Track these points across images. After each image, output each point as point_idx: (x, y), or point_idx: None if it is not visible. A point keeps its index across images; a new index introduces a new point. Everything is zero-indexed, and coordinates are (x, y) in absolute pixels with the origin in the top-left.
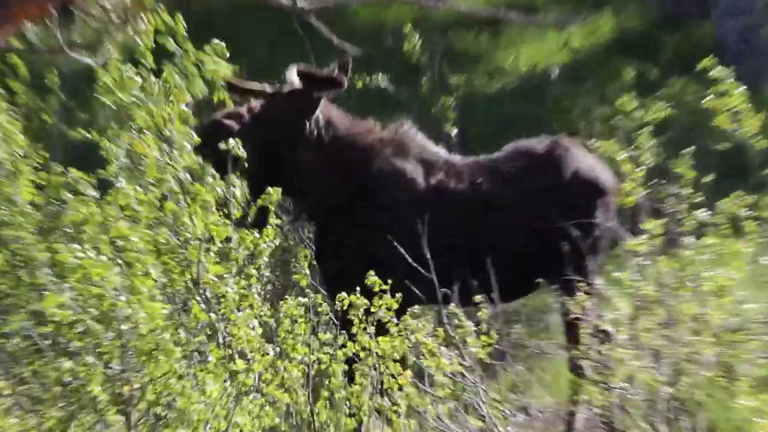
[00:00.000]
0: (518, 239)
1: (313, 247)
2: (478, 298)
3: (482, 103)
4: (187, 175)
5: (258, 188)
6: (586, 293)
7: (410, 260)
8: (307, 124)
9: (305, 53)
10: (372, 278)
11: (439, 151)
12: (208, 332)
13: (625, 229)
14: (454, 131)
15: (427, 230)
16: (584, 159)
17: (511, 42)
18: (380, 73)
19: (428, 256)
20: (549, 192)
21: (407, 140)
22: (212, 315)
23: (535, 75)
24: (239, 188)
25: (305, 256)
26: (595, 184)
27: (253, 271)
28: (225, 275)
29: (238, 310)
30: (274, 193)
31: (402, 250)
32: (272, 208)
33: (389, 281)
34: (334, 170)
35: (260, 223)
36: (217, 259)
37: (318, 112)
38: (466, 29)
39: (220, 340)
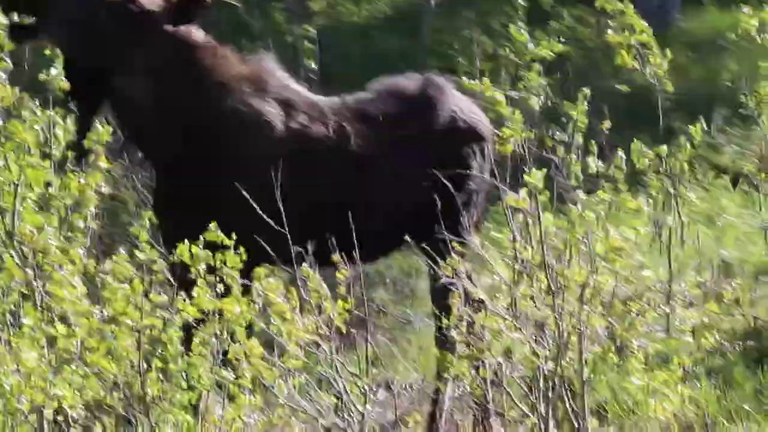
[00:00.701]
0: (384, 190)
1: (150, 195)
2: (336, 257)
3: (347, 33)
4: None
5: (78, 92)
6: (459, 255)
7: (260, 212)
8: (151, 39)
9: None
10: (213, 232)
11: (302, 91)
12: (24, 292)
13: (506, 182)
14: (313, 65)
15: (283, 180)
16: (459, 100)
17: None
18: None
19: (281, 208)
20: (419, 139)
21: (266, 76)
22: (29, 271)
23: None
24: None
25: (138, 206)
26: (472, 129)
27: (79, 223)
28: (45, 227)
29: (60, 267)
30: (104, 132)
31: (251, 201)
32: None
33: (234, 236)
34: (178, 105)
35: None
36: (36, 208)
37: (171, 26)
38: None
39: (38, 301)
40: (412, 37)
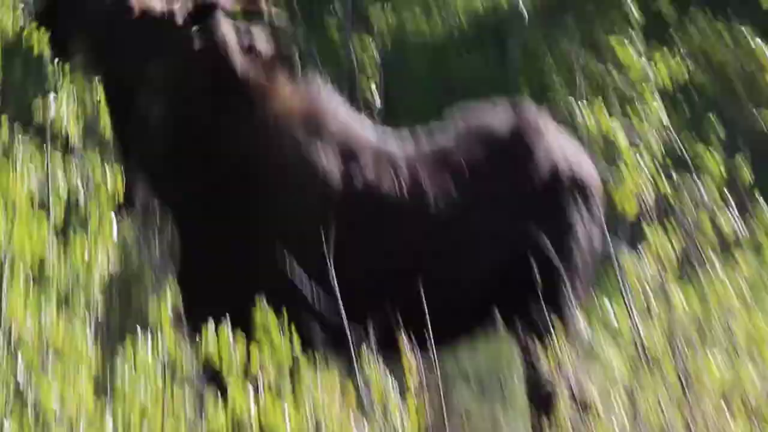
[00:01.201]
0: (467, 256)
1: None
2: (404, 341)
3: (416, 51)
4: None
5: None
6: (561, 336)
7: (306, 284)
8: (174, 48)
9: None
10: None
11: (368, 133)
12: (9, 394)
13: (621, 244)
14: (373, 92)
15: (338, 245)
16: (561, 142)
17: None
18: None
19: (334, 281)
20: (512, 193)
21: (324, 114)
22: (18, 366)
23: (495, 12)
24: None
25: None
26: (577, 179)
27: (81, 302)
28: (39, 308)
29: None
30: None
31: (300, 271)
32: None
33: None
34: (203, 139)
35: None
36: (27, 285)
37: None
38: None
39: (29, 405)
40: (496, 57)
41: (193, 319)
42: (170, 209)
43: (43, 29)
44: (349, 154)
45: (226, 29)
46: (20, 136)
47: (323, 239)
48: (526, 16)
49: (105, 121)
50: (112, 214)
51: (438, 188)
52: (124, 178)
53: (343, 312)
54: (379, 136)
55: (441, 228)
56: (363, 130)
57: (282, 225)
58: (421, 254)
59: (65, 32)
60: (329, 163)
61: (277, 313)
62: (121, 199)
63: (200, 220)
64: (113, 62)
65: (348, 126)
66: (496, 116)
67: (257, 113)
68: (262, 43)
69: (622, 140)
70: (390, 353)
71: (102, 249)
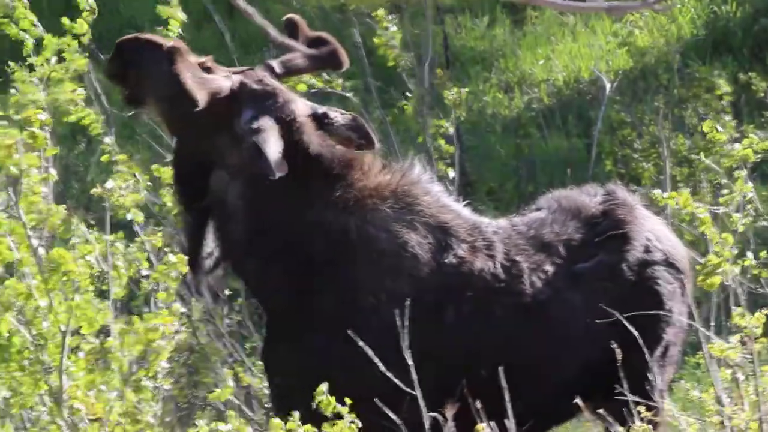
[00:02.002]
0: (557, 341)
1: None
2: (482, 429)
3: (494, 128)
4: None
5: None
6: (650, 423)
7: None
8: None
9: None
10: (322, 397)
11: (461, 211)
12: None
13: (707, 326)
14: (452, 173)
15: (422, 329)
16: (653, 225)
17: (541, 38)
18: (339, 79)
19: (410, 364)
20: (606, 275)
21: (416, 192)
22: None
23: (577, 87)
24: (121, 253)
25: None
26: (670, 262)
27: (146, 382)
28: (102, 387)
29: None
30: (179, 262)
31: (375, 359)
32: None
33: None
34: (284, 218)
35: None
36: (90, 364)
37: (293, 109)
38: (472, 16)
39: None
40: (581, 130)
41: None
42: (249, 288)
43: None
44: (442, 231)
45: (298, 107)
46: (80, 215)
47: (404, 320)
48: (608, 88)
49: (165, 198)
50: (178, 288)
51: (533, 267)
52: (193, 254)
53: (422, 402)
54: (472, 214)
55: (533, 311)
56: (456, 206)
57: (364, 306)
58: (510, 339)
59: (137, 93)
60: (420, 239)
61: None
62: (188, 273)
63: (282, 302)
64: (184, 136)
65: (443, 203)
66: (587, 198)
67: (340, 190)
68: (342, 120)
69: (708, 223)
70: None
71: (168, 323)
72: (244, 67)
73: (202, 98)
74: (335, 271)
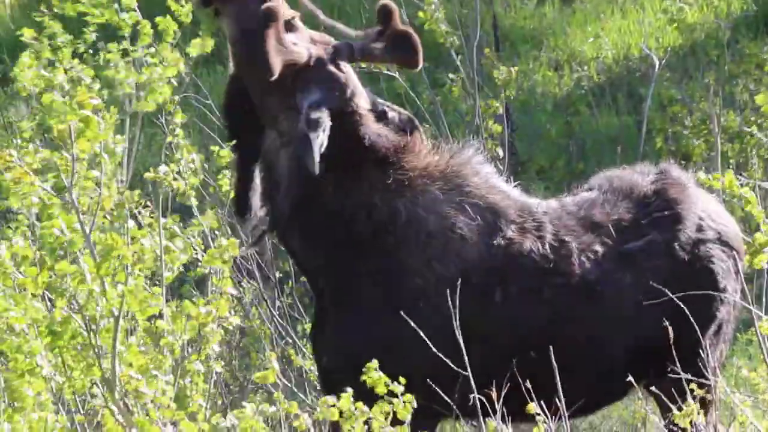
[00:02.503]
0: (609, 320)
1: (288, 327)
2: (533, 407)
3: (544, 107)
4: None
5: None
6: (702, 401)
7: (434, 349)
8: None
9: None
10: (374, 374)
11: (511, 192)
12: None
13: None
14: (501, 153)
15: (473, 310)
16: (706, 204)
17: (590, 15)
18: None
19: (462, 344)
20: (659, 254)
21: (466, 173)
22: None
23: (627, 64)
24: (177, 235)
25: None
26: (724, 240)
27: (197, 365)
28: (154, 371)
29: (173, 425)
30: (231, 245)
31: (424, 337)
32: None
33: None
34: (338, 193)
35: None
36: (142, 348)
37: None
38: None
39: None
40: (631, 108)
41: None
42: (296, 263)
43: None
44: (492, 212)
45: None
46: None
47: (455, 304)
48: (658, 65)
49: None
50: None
51: (583, 248)
52: (242, 195)
53: (472, 380)
54: (521, 194)
55: (584, 291)
56: (505, 187)
57: (412, 287)
58: (560, 319)
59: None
60: (469, 221)
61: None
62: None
63: (329, 282)
64: (248, 82)
65: (492, 184)
66: (639, 176)
67: (391, 174)
68: (398, 120)
69: (754, 203)
70: (520, 422)
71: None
72: (327, 38)
73: (276, 69)
74: (381, 253)
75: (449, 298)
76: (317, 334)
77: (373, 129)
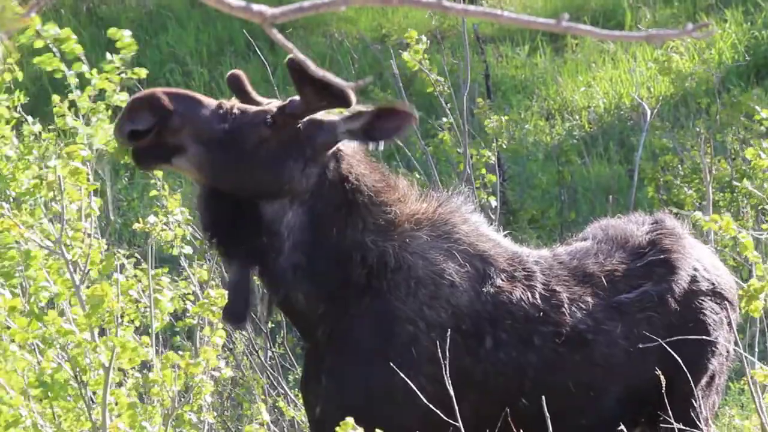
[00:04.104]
0: (600, 371)
1: (280, 378)
2: None
3: (535, 156)
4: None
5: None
6: None
7: (424, 400)
8: (308, 157)
9: (267, 81)
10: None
11: (501, 240)
12: None
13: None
14: (493, 202)
15: (460, 359)
16: (700, 254)
17: (582, 65)
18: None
19: (452, 394)
20: (651, 304)
21: (454, 220)
22: None
23: (618, 113)
24: (166, 287)
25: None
26: (717, 291)
27: (190, 416)
28: (144, 423)
29: None
30: (219, 297)
31: (414, 388)
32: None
33: None
34: (338, 238)
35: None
36: (132, 399)
37: (337, 143)
38: (512, 45)
39: None
40: (623, 157)
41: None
42: (295, 319)
43: None
44: (481, 259)
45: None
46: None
47: (443, 350)
48: (649, 115)
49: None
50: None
51: (574, 297)
52: (240, 305)
53: (463, 429)
54: (512, 244)
55: (574, 341)
56: (495, 236)
57: (400, 335)
58: (549, 369)
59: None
60: (458, 267)
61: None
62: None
63: (327, 327)
64: (242, 171)
65: (481, 232)
66: (635, 227)
67: (378, 216)
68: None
69: (750, 248)
70: None
71: (208, 355)
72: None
73: (351, 96)
74: (374, 298)
75: (441, 345)
76: (310, 383)
77: (360, 169)
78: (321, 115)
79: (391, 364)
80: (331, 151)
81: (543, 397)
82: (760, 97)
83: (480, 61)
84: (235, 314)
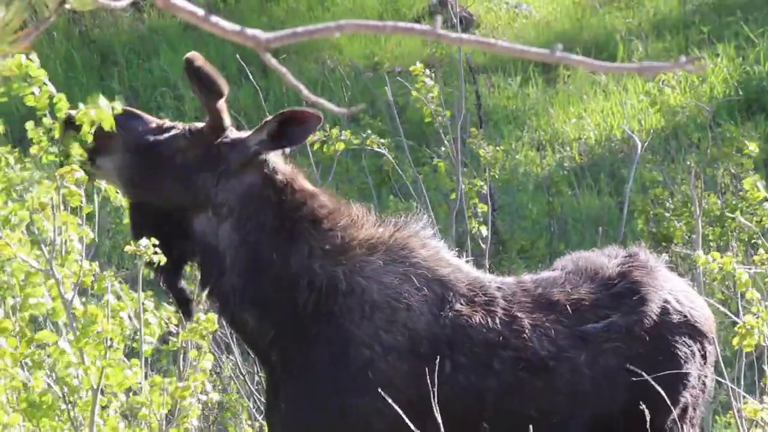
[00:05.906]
0: (566, 401)
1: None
2: None
3: (526, 186)
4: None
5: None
6: None
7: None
8: (222, 171)
9: (259, 106)
10: None
11: (461, 265)
12: None
13: (738, 385)
14: (484, 231)
15: (418, 386)
16: (673, 286)
17: (573, 96)
18: (369, 132)
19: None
20: (618, 336)
21: (412, 244)
22: None
23: (609, 145)
24: (156, 310)
25: (252, 418)
26: (690, 323)
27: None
28: None
29: None
30: (209, 320)
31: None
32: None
33: None
34: (281, 260)
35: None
36: (120, 420)
37: (280, 167)
38: (504, 76)
39: None
40: (614, 189)
41: None
42: (248, 341)
43: None
44: (440, 283)
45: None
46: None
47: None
48: (640, 147)
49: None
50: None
51: (536, 324)
52: (183, 302)
53: None
54: (473, 269)
55: (537, 369)
56: (456, 261)
57: (357, 360)
58: (511, 397)
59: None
60: (415, 291)
61: None
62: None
63: (280, 353)
64: (164, 185)
65: (441, 256)
66: (606, 259)
67: (326, 239)
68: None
69: (742, 280)
70: None
71: (196, 378)
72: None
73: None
74: (326, 323)
75: (399, 368)
76: (271, 410)
77: (299, 196)
78: (235, 133)
79: (350, 385)
80: (252, 167)
81: (504, 421)
82: (751, 133)
83: (472, 90)
84: (185, 312)
